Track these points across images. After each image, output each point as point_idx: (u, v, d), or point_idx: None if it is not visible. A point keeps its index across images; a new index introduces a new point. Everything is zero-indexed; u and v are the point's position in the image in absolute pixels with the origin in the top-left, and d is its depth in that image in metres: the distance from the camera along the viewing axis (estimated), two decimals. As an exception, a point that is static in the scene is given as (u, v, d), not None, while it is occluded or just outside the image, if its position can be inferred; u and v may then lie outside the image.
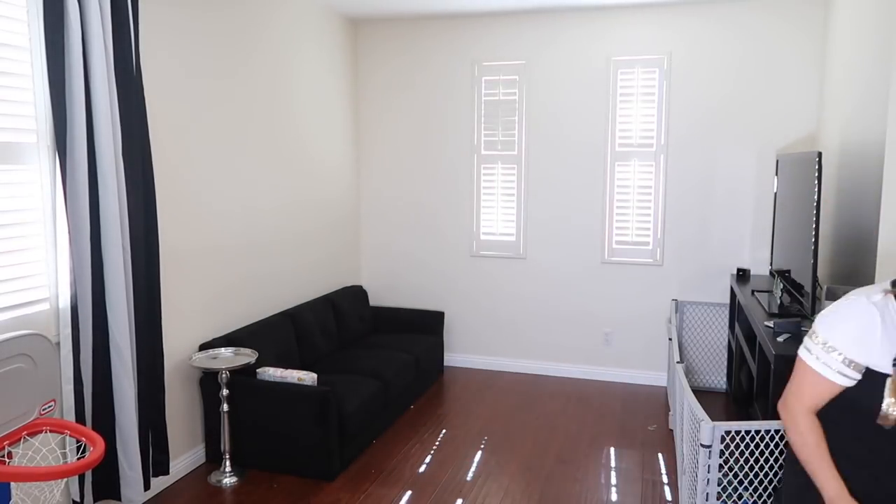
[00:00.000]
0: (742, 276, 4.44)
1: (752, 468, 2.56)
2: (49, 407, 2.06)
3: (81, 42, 2.56)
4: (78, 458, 2.52)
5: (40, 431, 2.04)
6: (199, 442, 3.60)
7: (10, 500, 1.96)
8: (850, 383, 1.52)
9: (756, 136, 4.54)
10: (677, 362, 3.29)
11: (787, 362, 2.58)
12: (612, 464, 3.63)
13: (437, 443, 3.90)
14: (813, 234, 2.95)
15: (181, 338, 3.42)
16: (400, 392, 4.24)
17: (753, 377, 3.33)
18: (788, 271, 3.45)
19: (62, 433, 2.09)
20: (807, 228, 3.01)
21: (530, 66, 4.93)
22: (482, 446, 3.85)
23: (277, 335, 3.93)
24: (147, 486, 3.00)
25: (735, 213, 4.63)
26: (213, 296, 3.66)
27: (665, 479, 3.44)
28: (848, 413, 1.56)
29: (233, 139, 3.80)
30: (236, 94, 3.81)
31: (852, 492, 1.55)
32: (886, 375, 1.47)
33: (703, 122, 4.63)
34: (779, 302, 3.44)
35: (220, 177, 3.70)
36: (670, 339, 4.02)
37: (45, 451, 2.40)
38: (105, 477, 2.82)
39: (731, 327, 4.49)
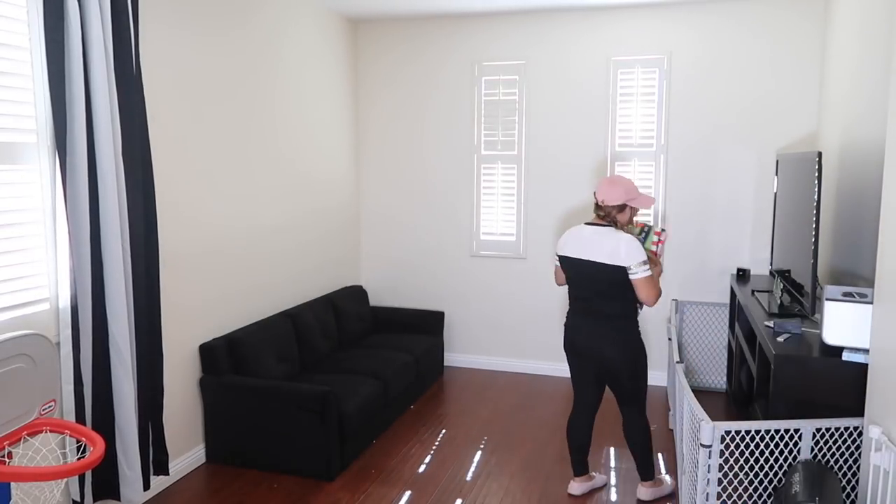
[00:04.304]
0: (742, 276, 4.43)
1: (752, 468, 2.56)
2: (49, 407, 2.06)
3: (81, 42, 2.56)
4: (78, 458, 2.52)
5: (40, 431, 2.04)
6: (199, 442, 3.60)
7: (10, 500, 1.96)
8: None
9: (756, 136, 4.54)
10: (677, 362, 3.29)
11: (788, 362, 2.58)
12: (612, 464, 3.63)
13: (436, 443, 3.90)
14: (813, 234, 2.95)
15: (181, 338, 3.41)
16: (400, 392, 4.24)
17: (753, 377, 3.33)
18: (788, 271, 3.45)
19: (62, 433, 2.09)
20: (807, 228, 3.01)
21: (530, 66, 4.93)
22: (482, 446, 3.85)
23: (277, 335, 3.93)
24: (147, 486, 3.00)
25: (735, 213, 4.63)
26: (212, 296, 3.66)
27: (665, 479, 3.44)
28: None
29: (233, 138, 3.80)
30: (236, 93, 3.81)
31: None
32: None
33: (703, 121, 4.63)
34: (779, 302, 3.44)
35: (220, 176, 3.70)
36: (670, 339, 4.02)
37: (45, 451, 2.39)
38: (105, 477, 2.82)
39: (732, 327, 4.48)
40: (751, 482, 2.57)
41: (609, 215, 2.99)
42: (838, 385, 2.33)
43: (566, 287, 3.19)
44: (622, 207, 2.98)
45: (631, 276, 2.87)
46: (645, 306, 2.99)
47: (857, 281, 3.12)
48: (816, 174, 2.88)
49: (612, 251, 2.89)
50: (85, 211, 2.62)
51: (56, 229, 2.63)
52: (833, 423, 2.44)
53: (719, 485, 2.41)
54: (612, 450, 3.79)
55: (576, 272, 3.04)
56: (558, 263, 3.15)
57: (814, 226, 2.93)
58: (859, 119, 3.31)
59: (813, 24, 4.35)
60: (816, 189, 2.89)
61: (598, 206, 3.01)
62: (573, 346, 3.15)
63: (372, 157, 5.41)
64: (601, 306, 3.01)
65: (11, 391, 1.92)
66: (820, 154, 2.91)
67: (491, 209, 5.17)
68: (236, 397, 3.52)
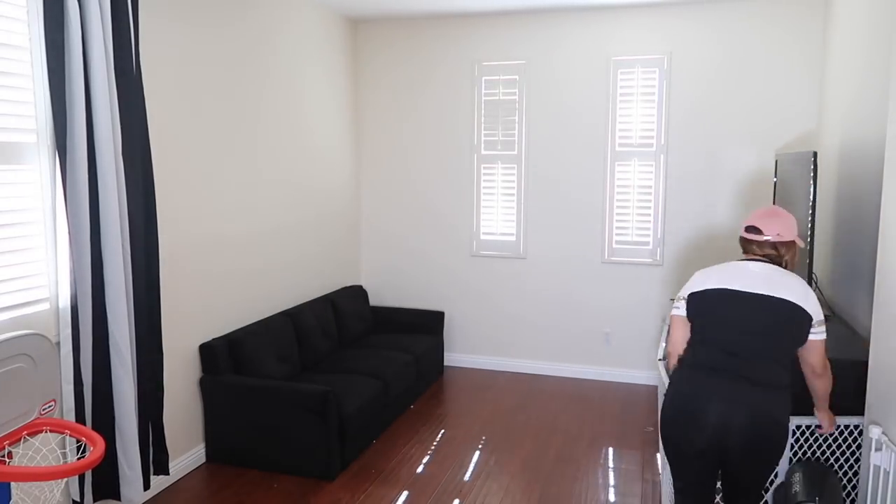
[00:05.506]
0: (742, 275, 4.42)
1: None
2: (49, 407, 2.06)
3: (81, 42, 2.56)
4: (78, 458, 2.52)
5: (40, 431, 2.04)
6: (199, 442, 3.60)
7: (10, 500, 1.97)
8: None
9: (756, 136, 4.54)
10: (659, 360, 3.30)
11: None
12: (612, 464, 3.63)
13: (436, 443, 3.90)
14: (808, 233, 2.95)
15: (181, 337, 3.42)
16: (400, 392, 4.24)
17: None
18: (788, 271, 3.45)
19: (62, 433, 2.09)
20: (803, 228, 3.02)
21: (530, 66, 4.93)
22: (481, 446, 3.85)
23: (277, 335, 3.93)
24: (147, 486, 3.00)
25: (735, 213, 4.63)
26: (213, 296, 3.66)
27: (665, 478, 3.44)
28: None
29: (233, 140, 3.80)
30: (236, 94, 3.81)
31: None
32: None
33: (703, 121, 4.63)
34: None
35: (220, 177, 3.70)
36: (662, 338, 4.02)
37: (45, 451, 2.39)
38: (105, 477, 2.82)
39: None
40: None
41: (779, 255, 2.33)
42: (838, 385, 2.33)
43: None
44: (791, 244, 2.33)
45: (811, 335, 2.17)
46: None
47: (856, 281, 3.12)
48: (812, 174, 2.89)
49: (804, 293, 2.19)
50: (85, 211, 2.62)
51: (56, 229, 2.63)
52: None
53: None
54: (611, 450, 3.79)
55: (731, 312, 2.25)
56: (681, 312, 2.35)
57: (809, 225, 2.94)
58: (859, 119, 3.32)
59: (813, 24, 4.35)
60: (812, 188, 2.90)
61: (757, 244, 2.39)
62: (695, 422, 2.18)
63: (372, 156, 5.41)
64: (757, 367, 2.17)
65: (11, 391, 1.92)
66: (815, 154, 2.91)
67: (491, 209, 5.17)
68: (236, 397, 3.52)
